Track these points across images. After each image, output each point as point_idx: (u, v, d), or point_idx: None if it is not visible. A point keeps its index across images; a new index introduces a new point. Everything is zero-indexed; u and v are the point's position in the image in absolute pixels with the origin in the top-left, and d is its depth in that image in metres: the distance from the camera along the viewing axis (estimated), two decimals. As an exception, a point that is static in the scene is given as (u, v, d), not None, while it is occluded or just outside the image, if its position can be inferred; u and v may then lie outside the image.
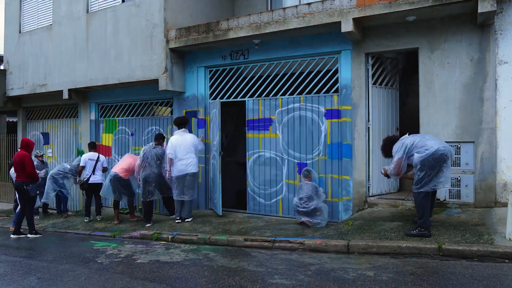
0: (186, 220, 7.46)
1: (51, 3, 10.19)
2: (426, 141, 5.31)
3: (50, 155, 11.16)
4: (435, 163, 5.16)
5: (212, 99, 8.40)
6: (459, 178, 6.23)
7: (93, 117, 10.16)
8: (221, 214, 7.75)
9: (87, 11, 9.42)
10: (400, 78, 8.24)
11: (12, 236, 7.46)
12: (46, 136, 11.27)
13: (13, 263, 5.45)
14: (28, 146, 7.56)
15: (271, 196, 7.63)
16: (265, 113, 7.76)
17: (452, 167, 6.24)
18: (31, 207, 7.64)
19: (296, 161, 7.38)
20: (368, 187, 6.87)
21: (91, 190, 8.67)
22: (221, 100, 8.06)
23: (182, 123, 7.71)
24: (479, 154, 6.06)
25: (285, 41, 7.42)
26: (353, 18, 6.25)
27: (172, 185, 7.58)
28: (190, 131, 8.48)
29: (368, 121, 6.89)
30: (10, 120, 13.73)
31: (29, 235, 7.45)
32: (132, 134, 9.58)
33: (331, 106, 7.09)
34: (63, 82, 9.79)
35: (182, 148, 7.39)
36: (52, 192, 8.92)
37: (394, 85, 7.47)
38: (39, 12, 10.60)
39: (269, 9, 9.30)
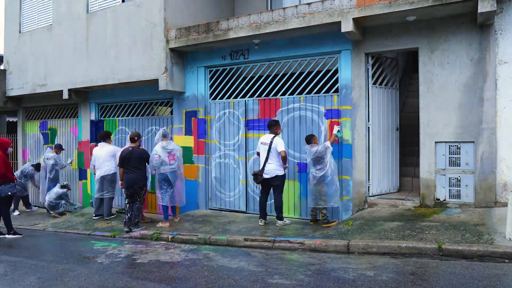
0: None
1: (51, 3, 10.18)
2: None
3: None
4: None
5: (212, 99, 8.40)
6: (459, 178, 6.23)
7: (93, 117, 10.15)
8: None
9: (87, 11, 9.41)
10: (400, 78, 8.24)
11: None
12: (46, 136, 11.26)
13: (13, 263, 5.44)
14: (1, 145, 7.21)
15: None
16: (265, 113, 7.76)
17: (452, 167, 6.28)
18: (7, 207, 7.35)
19: (296, 161, 7.37)
20: (368, 187, 6.88)
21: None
22: (221, 100, 8.02)
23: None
24: (479, 154, 6.06)
25: (285, 41, 7.42)
26: (353, 18, 6.24)
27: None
28: (190, 132, 8.50)
29: (368, 121, 6.89)
30: (10, 120, 13.72)
31: (7, 236, 7.20)
32: (132, 134, 9.55)
33: (331, 106, 7.09)
34: (63, 82, 9.78)
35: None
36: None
37: (394, 85, 7.47)
38: (39, 12, 10.59)
39: (269, 9, 9.30)
